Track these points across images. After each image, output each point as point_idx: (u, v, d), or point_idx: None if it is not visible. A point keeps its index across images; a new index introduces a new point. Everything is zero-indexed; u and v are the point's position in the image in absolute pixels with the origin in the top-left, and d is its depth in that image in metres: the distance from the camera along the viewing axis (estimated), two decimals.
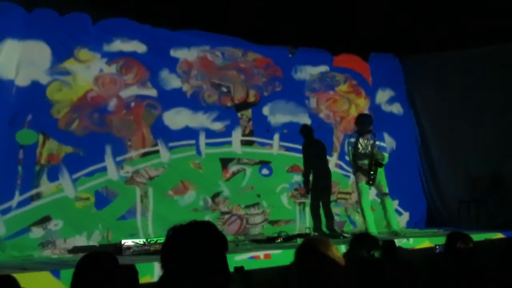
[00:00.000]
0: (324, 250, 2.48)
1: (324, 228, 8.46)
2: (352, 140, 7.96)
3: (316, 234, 8.03)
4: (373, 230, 7.54)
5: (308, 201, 8.73)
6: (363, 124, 7.95)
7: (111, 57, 7.51)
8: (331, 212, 8.64)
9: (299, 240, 7.12)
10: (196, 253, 1.90)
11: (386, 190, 7.98)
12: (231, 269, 2.07)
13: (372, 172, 7.72)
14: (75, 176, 6.94)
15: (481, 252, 4.13)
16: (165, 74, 7.94)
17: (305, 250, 2.54)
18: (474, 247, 3.68)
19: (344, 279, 2.45)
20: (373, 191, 8.36)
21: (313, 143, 8.89)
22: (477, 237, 6.65)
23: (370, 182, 7.76)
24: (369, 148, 7.80)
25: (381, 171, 7.89)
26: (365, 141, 7.84)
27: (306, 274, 2.47)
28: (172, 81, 8.00)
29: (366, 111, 9.47)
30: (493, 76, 8.97)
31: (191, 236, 1.95)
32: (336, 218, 8.79)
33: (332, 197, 8.92)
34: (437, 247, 5.18)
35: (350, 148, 7.95)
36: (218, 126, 8.23)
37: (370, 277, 3.11)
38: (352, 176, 8.64)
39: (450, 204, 9.46)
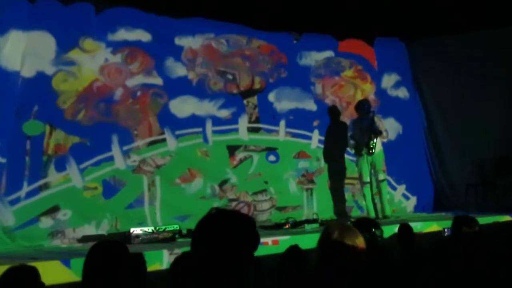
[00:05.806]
0: (351, 241, 2.31)
1: (332, 213, 8.56)
2: (351, 125, 8.35)
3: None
4: (372, 214, 8.08)
5: (315, 186, 8.77)
6: (362, 109, 8.24)
7: (116, 47, 7.51)
8: (343, 196, 8.81)
9: (307, 226, 7.15)
10: (230, 241, 1.86)
11: (382, 177, 8.23)
12: None
13: (372, 142, 7.97)
14: (82, 166, 6.98)
15: (489, 235, 4.12)
16: (170, 62, 7.94)
17: (330, 241, 2.36)
18: (480, 230, 3.67)
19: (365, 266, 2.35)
20: None
21: (337, 125, 9.04)
22: (485, 220, 6.65)
23: (371, 152, 8.01)
24: (367, 127, 8.05)
25: (379, 158, 8.10)
26: (364, 122, 8.11)
27: (330, 266, 2.35)
28: (178, 70, 7.99)
29: (372, 96, 9.51)
30: (499, 58, 8.90)
31: (231, 223, 1.90)
32: None
33: None
34: (445, 230, 5.19)
35: (350, 133, 8.30)
36: (224, 113, 8.24)
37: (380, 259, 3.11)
38: None
39: (458, 188, 9.46)
